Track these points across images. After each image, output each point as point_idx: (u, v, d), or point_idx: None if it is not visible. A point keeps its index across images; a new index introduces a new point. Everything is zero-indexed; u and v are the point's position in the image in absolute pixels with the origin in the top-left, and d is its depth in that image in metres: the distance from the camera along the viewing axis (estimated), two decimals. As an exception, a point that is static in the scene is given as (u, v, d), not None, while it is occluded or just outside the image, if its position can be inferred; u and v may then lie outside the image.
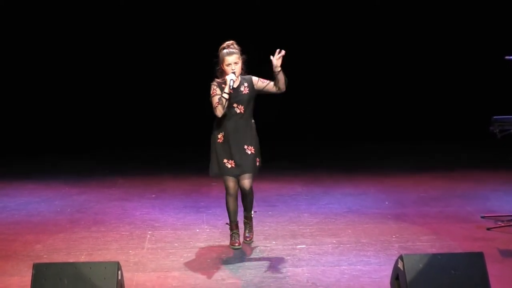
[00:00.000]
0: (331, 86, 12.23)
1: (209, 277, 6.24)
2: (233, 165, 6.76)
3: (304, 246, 6.98)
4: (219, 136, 6.80)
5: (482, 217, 7.68)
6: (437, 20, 12.10)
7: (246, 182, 6.80)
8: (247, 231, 7.07)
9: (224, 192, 6.96)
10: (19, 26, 11.89)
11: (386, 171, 10.00)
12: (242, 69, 6.76)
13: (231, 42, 6.74)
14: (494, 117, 7.37)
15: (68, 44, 11.99)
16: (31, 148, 11.54)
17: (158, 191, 9.17)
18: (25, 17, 11.89)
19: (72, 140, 11.84)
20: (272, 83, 6.73)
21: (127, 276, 5.91)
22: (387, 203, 8.48)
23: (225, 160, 6.77)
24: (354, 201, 8.59)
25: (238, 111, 6.74)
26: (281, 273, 6.29)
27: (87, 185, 9.47)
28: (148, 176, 9.97)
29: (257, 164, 6.85)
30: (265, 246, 6.96)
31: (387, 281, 5.78)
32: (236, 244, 6.94)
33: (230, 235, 7.02)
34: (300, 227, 7.58)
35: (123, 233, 7.45)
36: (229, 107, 6.70)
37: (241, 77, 6.76)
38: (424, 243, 6.96)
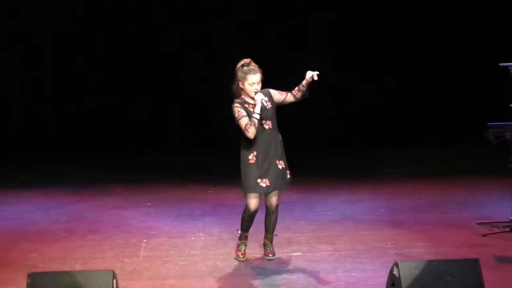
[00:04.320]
0: (326, 93, 12.25)
1: (205, 285, 6.22)
2: (267, 184, 6.59)
3: (300, 253, 6.97)
4: (250, 157, 6.59)
5: (478, 223, 7.68)
6: (433, 28, 12.14)
7: (274, 199, 6.68)
8: (268, 249, 6.87)
9: (244, 207, 6.72)
10: (14, 29, 11.89)
11: (381, 178, 10.01)
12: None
13: (248, 60, 6.59)
14: (489, 123, 7.38)
15: (66, 54, 11.99)
16: (26, 157, 11.53)
17: (154, 199, 9.17)
18: (18, 19, 11.89)
19: (66, 149, 11.82)
20: (289, 94, 6.62)
21: (123, 284, 5.89)
22: (382, 210, 8.48)
23: (259, 180, 6.59)
24: (350, 208, 8.59)
25: (267, 127, 6.58)
26: (277, 280, 6.28)
27: (82, 194, 9.46)
28: (144, 184, 9.97)
29: (288, 177, 6.74)
30: (261, 254, 6.95)
31: (383, 288, 5.77)
32: (241, 256, 6.83)
33: (238, 244, 6.91)
34: (296, 234, 7.57)
35: (118, 241, 7.44)
36: (259, 125, 6.54)
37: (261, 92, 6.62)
38: (420, 250, 6.96)
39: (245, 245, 6.90)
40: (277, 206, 6.74)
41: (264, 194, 6.68)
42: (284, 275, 6.39)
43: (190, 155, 11.74)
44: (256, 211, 6.66)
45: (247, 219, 6.72)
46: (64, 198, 9.25)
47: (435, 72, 12.24)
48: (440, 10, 12.11)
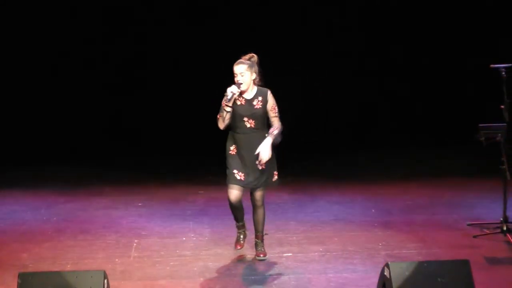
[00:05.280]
0: (315, 94, 12.28)
1: (196, 285, 6.22)
2: (242, 178, 6.59)
3: (291, 254, 6.97)
4: (232, 148, 6.63)
5: (469, 224, 7.70)
6: (432, 28, 12.16)
7: (257, 194, 6.69)
8: (259, 249, 6.87)
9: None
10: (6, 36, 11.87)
11: (372, 179, 10.02)
12: (256, 83, 6.60)
13: (249, 55, 6.58)
14: (480, 124, 7.40)
15: (51, 55, 11.96)
16: (16, 157, 11.48)
17: (145, 199, 9.15)
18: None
19: (57, 148, 11.79)
20: (274, 121, 6.58)
21: (114, 284, 5.88)
22: (373, 211, 8.49)
23: (235, 171, 6.60)
24: (341, 209, 8.60)
25: (249, 125, 6.56)
26: (268, 281, 6.28)
27: (73, 194, 9.44)
28: (135, 184, 9.95)
29: (274, 178, 6.70)
30: (252, 254, 6.95)
31: (373, 289, 5.78)
32: (238, 247, 6.88)
33: (236, 235, 6.94)
34: (287, 235, 7.57)
35: (109, 241, 7.43)
36: (240, 120, 6.55)
37: (257, 90, 6.61)
38: (411, 251, 6.97)
39: (243, 235, 6.90)
40: (262, 202, 6.73)
41: (249, 189, 6.68)
42: (275, 276, 6.40)
43: (181, 155, 11.71)
44: (236, 202, 6.61)
45: (232, 209, 6.75)
46: (54, 198, 9.21)
47: (427, 72, 12.25)
48: (437, 9, 12.12)
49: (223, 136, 6.81)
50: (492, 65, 7.36)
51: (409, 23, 12.15)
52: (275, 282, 6.25)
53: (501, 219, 7.41)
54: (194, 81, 11.94)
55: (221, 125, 6.55)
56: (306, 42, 12.07)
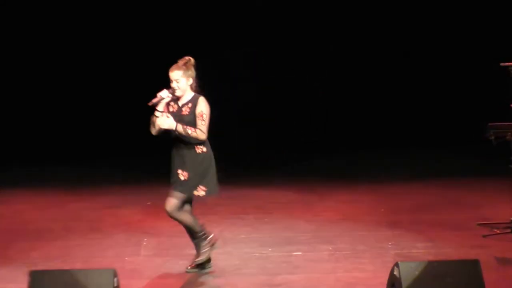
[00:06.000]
0: (324, 94, 12.28)
1: (205, 284, 6.23)
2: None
3: (300, 253, 6.97)
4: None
5: (478, 224, 7.68)
6: (433, 28, 12.15)
7: (167, 201, 6.34)
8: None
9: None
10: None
11: (381, 179, 10.02)
12: (194, 88, 6.29)
13: (185, 58, 6.27)
14: (489, 123, 7.38)
15: (51, 56, 11.98)
16: (25, 157, 11.51)
17: (154, 198, 9.15)
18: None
19: (60, 148, 11.81)
20: (198, 128, 6.21)
21: (123, 283, 5.87)
22: (382, 210, 8.48)
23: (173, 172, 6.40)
24: (349, 208, 8.59)
25: (177, 133, 6.23)
26: (277, 280, 6.28)
27: (81, 193, 9.46)
28: (144, 183, 9.96)
29: (195, 192, 6.32)
30: (261, 253, 6.95)
31: (382, 288, 5.78)
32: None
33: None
34: (296, 234, 7.57)
35: (119, 240, 7.44)
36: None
37: (192, 96, 6.28)
38: (420, 250, 6.96)
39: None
40: (170, 211, 6.34)
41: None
42: (284, 275, 6.39)
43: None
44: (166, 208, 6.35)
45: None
46: (61, 197, 9.24)
47: (433, 72, 12.24)
48: (440, 9, 12.11)
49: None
50: (502, 63, 7.34)
51: (409, 23, 12.14)
52: (284, 281, 6.25)
53: (511, 219, 7.39)
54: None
55: (152, 130, 6.26)
56: (306, 42, 12.09)
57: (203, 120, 6.21)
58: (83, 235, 7.63)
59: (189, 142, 6.25)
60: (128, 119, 12.17)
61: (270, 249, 7.09)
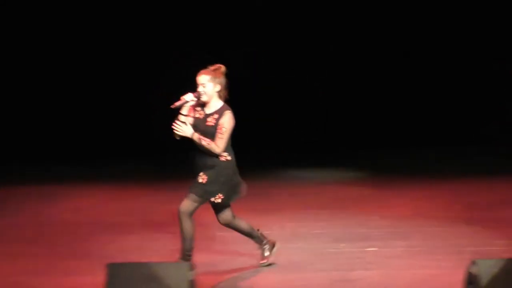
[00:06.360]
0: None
1: (280, 279, 6.22)
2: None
3: (375, 249, 6.93)
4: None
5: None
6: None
7: (182, 202, 6.24)
8: None
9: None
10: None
11: (456, 174, 9.90)
12: (223, 97, 6.19)
13: (216, 65, 6.17)
14: None
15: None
16: (103, 151, 11.72)
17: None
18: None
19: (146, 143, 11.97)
20: (215, 140, 6.09)
21: (199, 277, 5.94)
22: (458, 206, 8.36)
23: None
24: (424, 204, 8.51)
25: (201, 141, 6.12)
26: (351, 276, 6.24)
27: (157, 187, 9.59)
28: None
29: (212, 198, 6.24)
30: (335, 249, 6.94)
31: (459, 286, 5.68)
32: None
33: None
34: (370, 229, 7.53)
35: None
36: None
37: (221, 106, 6.16)
38: (498, 248, 6.82)
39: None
40: (179, 212, 6.27)
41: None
42: (358, 271, 6.35)
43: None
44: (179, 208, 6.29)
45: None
46: (138, 191, 9.38)
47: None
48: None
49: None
50: None
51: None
52: (359, 277, 6.22)
53: None
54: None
55: (175, 135, 6.13)
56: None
57: (221, 133, 6.09)
58: (159, 228, 7.72)
59: (215, 155, 6.13)
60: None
61: (343, 245, 7.06)
